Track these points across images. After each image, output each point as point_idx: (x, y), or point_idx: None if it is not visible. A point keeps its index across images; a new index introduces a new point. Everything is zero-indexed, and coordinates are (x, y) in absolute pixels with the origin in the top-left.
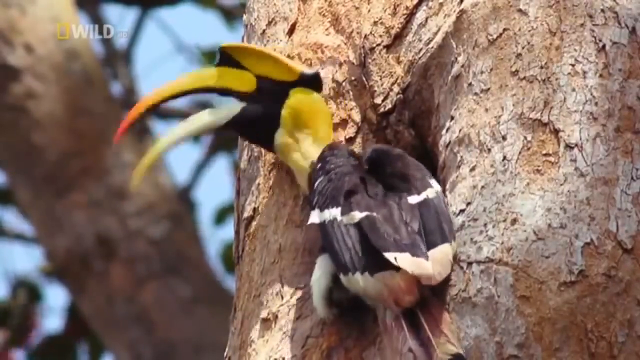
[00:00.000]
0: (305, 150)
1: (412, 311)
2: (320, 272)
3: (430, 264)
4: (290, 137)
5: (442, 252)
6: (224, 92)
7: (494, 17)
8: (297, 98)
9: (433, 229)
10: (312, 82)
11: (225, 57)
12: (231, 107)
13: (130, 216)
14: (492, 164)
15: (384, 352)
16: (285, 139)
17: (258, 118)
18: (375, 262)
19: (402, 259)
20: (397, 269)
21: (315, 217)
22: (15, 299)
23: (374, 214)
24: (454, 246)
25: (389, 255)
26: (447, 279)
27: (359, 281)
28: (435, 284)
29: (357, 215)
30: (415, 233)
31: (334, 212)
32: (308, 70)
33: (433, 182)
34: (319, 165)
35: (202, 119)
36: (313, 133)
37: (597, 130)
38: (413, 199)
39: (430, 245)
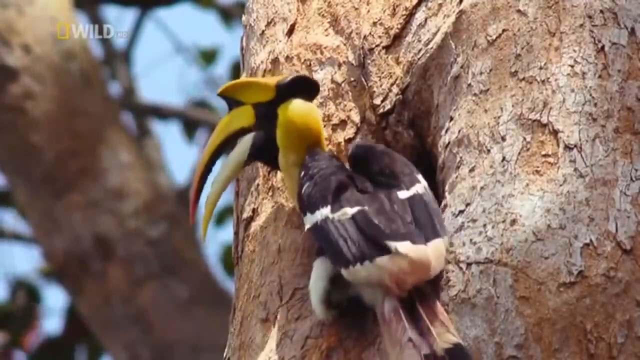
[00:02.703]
0: (294, 176)
1: (411, 303)
2: (317, 275)
3: (430, 250)
4: (285, 160)
5: (436, 247)
6: (239, 133)
7: (493, 17)
8: (284, 117)
9: (425, 223)
10: (296, 88)
11: (228, 100)
12: (245, 141)
13: (128, 216)
14: (492, 165)
15: (383, 352)
16: (282, 162)
17: (263, 145)
18: (373, 249)
19: (403, 247)
20: (397, 252)
21: (307, 221)
22: (14, 300)
23: (366, 207)
24: (446, 241)
25: (390, 244)
26: (440, 275)
27: (361, 271)
28: (429, 279)
29: (349, 211)
30: (409, 223)
31: (325, 211)
32: (283, 80)
33: (420, 177)
34: (302, 173)
35: (229, 163)
36: (300, 158)
37: (597, 131)
38: (403, 194)
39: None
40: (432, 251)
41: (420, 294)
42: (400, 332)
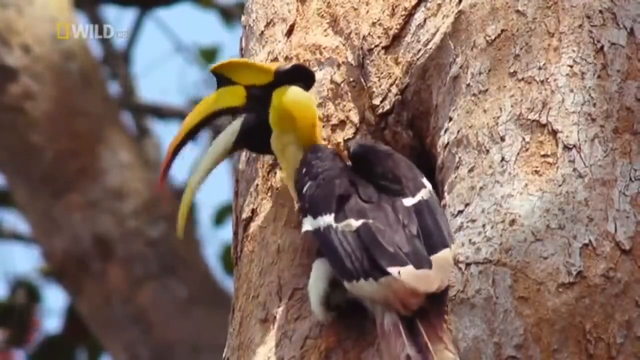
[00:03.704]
0: (291, 157)
1: (411, 317)
2: (316, 277)
3: (434, 274)
4: (279, 142)
5: (443, 258)
6: (225, 112)
7: (492, 17)
8: (278, 100)
9: (431, 232)
10: (294, 76)
11: (220, 78)
12: (233, 125)
13: (127, 216)
14: (491, 165)
15: (382, 354)
16: (276, 143)
17: (254, 127)
18: (376, 269)
19: (406, 273)
20: (398, 278)
21: (308, 224)
22: (14, 300)
23: (370, 220)
24: (453, 249)
25: (393, 270)
26: (447, 286)
27: (365, 287)
28: (438, 291)
29: (354, 223)
30: (414, 236)
31: (328, 219)
32: (283, 66)
33: (425, 181)
34: (304, 170)
35: (215, 148)
36: (296, 138)
37: (596, 131)
38: (408, 202)
39: (431, 250)
40: (438, 264)
41: (420, 308)
42: (399, 347)
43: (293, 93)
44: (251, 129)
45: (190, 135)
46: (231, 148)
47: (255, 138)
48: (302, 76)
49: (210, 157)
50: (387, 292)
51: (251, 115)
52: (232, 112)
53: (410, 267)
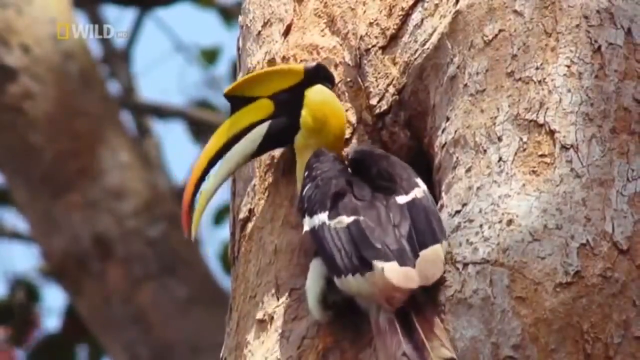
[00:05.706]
0: (305, 162)
1: (406, 314)
2: (313, 276)
3: (417, 273)
4: (303, 142)
5: (434, 252)
6: (247, 131)
7: (489, 18)
8: (311, 98)
9: (423, 229)
10: (320, 75)
11: (234, 100)
12: (255, 132)
13: (127, 216)
14: (488, 165)
15: (378, 352)
16: (299, 143)
17: (282, 130)
18: (363, 264)
19: (389, 269)
20: (382, 273)
21: (306, 224)
22: (14, 299)
23: (361, 218)
24: (445, 246)
25: (377, 264)
26: (440, 281)
27: (352, 283)
28: (429, 285)
29: (345, 219)
30: (403, 237)
31: (322, 217)
32: (310, 65)
33: (419, 181)
34: (306, 173)
35: (236, 152)
36: (322, 142)
37: (593, 131)
38: (401, 199)
39: (422, 246)
40: (429, 258)
41: (415, 305)
42: (395, 345)
43: (327, 91)
44: (278, 133)
45: (210, 166)
46: (254, 153)
47: (280, 141)
48: (325, 76)
49: (226, 165)
50: (373, 287)
51: (279, 120)
52: (261, 125)
53: (394, 263)
